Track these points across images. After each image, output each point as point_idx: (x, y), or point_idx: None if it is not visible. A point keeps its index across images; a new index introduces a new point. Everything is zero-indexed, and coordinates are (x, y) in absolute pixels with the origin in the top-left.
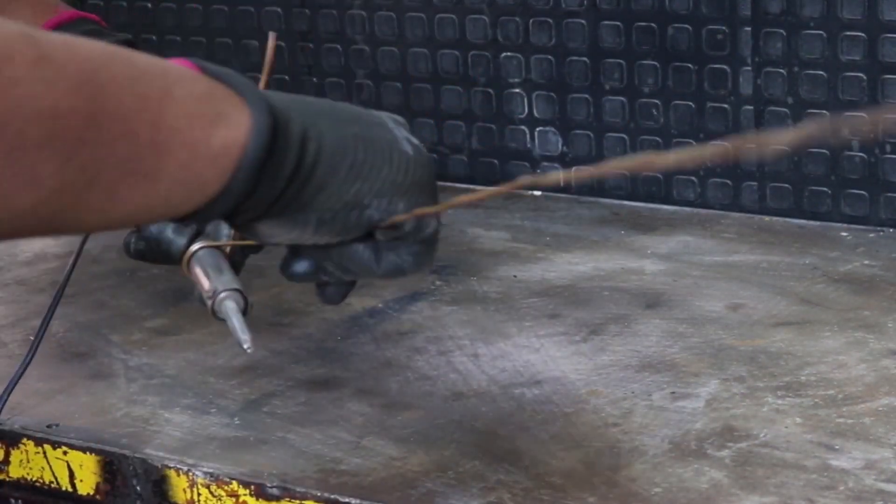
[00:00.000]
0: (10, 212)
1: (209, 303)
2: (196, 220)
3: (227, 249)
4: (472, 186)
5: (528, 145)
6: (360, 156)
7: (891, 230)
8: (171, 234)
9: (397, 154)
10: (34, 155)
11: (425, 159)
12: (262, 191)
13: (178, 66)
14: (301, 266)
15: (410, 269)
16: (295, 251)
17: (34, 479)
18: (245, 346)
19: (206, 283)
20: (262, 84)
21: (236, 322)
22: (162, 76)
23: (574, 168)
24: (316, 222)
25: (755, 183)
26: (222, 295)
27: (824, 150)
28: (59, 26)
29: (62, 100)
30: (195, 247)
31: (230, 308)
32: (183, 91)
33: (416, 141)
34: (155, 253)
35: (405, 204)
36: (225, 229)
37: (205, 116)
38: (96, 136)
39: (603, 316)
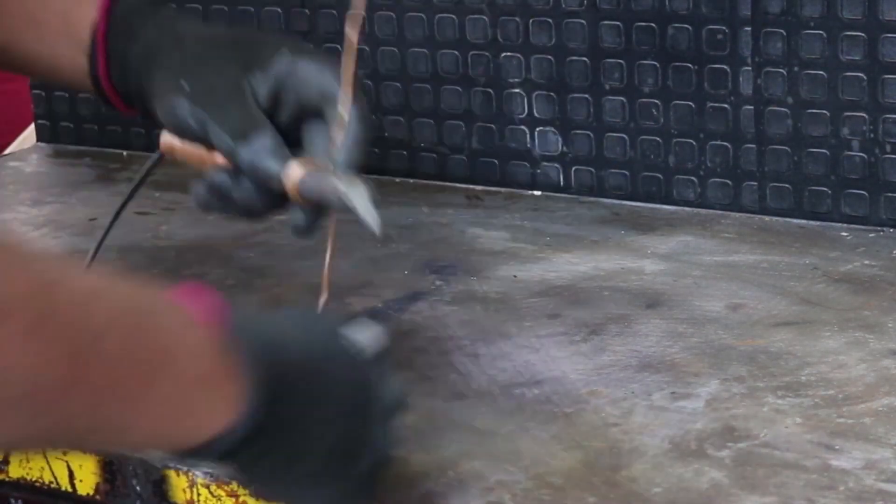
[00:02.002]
0: None
1: (340, 202)
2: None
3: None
4: (472, 186)
5: (528, 145)
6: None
7: (891, 230)
8: (270, 159)
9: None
10: (2, 411)
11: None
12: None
13: (191, 338)
14: None
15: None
16: None
17: (34, 479)
18: (374, 230)
19: (329, 188)
20: (350, 26)
21: (365, 207)
22: (163, 352)
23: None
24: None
25: (755, 183)
26: (347, 189)
27: (824, 150)
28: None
29: (46, 369)
30: (299, 171)
31: (359, 196)
32: (176, 376)
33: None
34: (246, 186)
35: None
36: (322, 140)
37: (185, 410)
38: (71, 405)
39: (603, 316)
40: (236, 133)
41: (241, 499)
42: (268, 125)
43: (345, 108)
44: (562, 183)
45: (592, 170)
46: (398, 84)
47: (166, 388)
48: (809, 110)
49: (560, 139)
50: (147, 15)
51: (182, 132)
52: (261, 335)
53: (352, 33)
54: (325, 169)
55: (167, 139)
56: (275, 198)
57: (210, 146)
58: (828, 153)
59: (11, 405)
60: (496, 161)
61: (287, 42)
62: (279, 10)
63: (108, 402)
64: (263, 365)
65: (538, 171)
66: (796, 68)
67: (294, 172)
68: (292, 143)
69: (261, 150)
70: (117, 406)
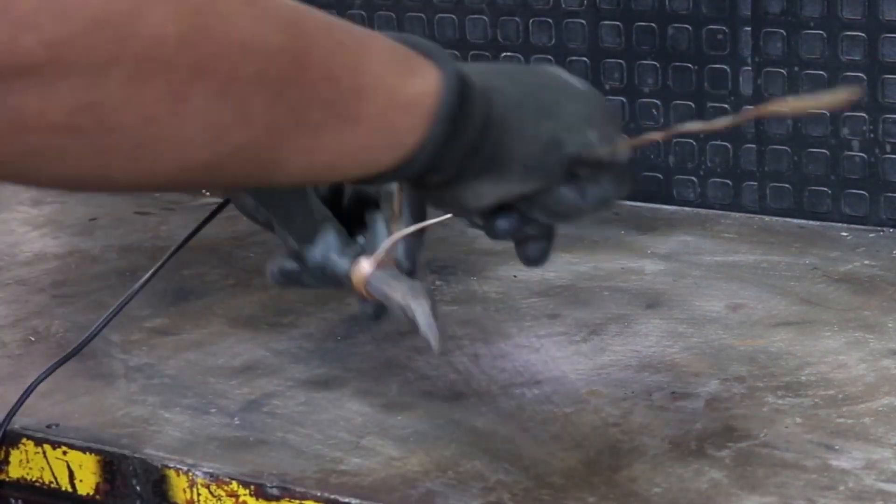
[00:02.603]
0: (222, 149)
1: (402, 313)
2: (394, 177)
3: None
4: None
5: None
6: (543, 97)
7: (891, 230)
8: (336, 257)
9: (574, 91)
10: (246, 90)
11: (598, 93)
12: (459, 141)
13: (365, 30)
14: (505, 222)
15: (615, 196)
16: (494, 209)
17: (34, 479)
18: (433, 345)
19: (394, 297)
20: None
21: (426, 321)
22: (353, 29)
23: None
24: (522, 170)
25: (755, 183)
26: (410, 304)
27: (824, 150)
28: None
29: (271, 38)
30: (366, 269)
31: (422, 313)
32: (375, 44)
33: (583, 81)
34: (315, 277)
35: (597, 134)
36: (383, 234)
37: (398, 67)
38: (303, 76)
39: (603, 316)
40: (301, 236)
41: (241, 499)
42: (331, 224)
43: (399, 204)
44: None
45: None
46: None
47: (372, 59)
48: (809, 110)
49: None
50: None
51: (250, 219)
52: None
53: None
54: (390, 265)
55: None
56: (343, 286)
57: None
58: (828, 153)
59: (253, 81)
60: None
61: None
62: None
63: (329, 79)
64: (446, 54)
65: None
66: (796, 68)
67: (361, 270)
68: (355, 224)
69: (326, 250)
70: (336, 84)
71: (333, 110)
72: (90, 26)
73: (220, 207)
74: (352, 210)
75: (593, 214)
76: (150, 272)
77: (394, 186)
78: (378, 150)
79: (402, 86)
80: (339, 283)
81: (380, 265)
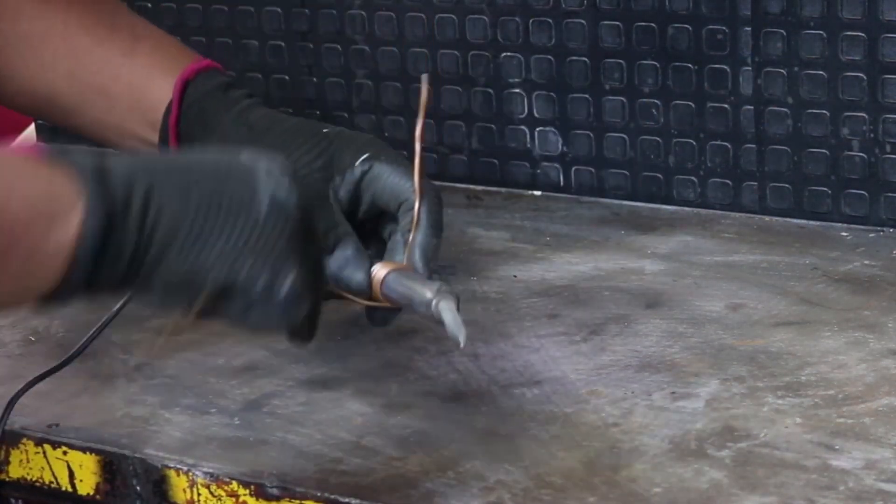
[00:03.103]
0: None
1: (428, 310)
2: (51, 304)
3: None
4: (472, 186)
5: (528, 145)
6: (198, 224)
7: (891, 230)
8: (352, 270)
9: (245, 215)
10: None
11: (286, 212)
12: (104, 276)
13: (20, 159)
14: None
15: (269, 326)
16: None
17: (34, 479)
18: (460, 342)
19: (417, 296)
20: (418, 128)
21: (453, 319)
22: (6, 174)
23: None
24: (162, 292)
25: (755, 183)
26: (436, 300)
27: (824, 150)
28: (189, 79)
29: None
30: (382, 272)
31: (448, 309)
32: (19, 193)
33: (284, 188)
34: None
35: (252, 263)
36: (401, 244)
37: (40, 218)
38: None
39: (603, 316)
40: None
41: (241, 499)
42: (350, 235)
43: (418, 215)
44: (562, 183)
45: (592, 170)
46: (398, 84)
47: (16, 211)
48: (809, 110)
49: (560, 139)
50: (219, 101)
51: None
52: (94, 156)
53: (418, 138)
54: (408, 270)
55: None
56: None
57: None
58: (828, 153)
59: None
60: (496, 161)
61: (366, 143)
62: (279, 10)
63: None
64: (104, 175)
65: (538, 171)
66: (796, 68)
67: (379, 273)
68: (371, 235)
69: (343, 262)
70: None
71: None
72: None
73: None
74: (367, 223)
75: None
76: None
77: (414, 200)
78: (23, 293)
79: (43, 241)
80: (340, 296)
81: (394, 269)
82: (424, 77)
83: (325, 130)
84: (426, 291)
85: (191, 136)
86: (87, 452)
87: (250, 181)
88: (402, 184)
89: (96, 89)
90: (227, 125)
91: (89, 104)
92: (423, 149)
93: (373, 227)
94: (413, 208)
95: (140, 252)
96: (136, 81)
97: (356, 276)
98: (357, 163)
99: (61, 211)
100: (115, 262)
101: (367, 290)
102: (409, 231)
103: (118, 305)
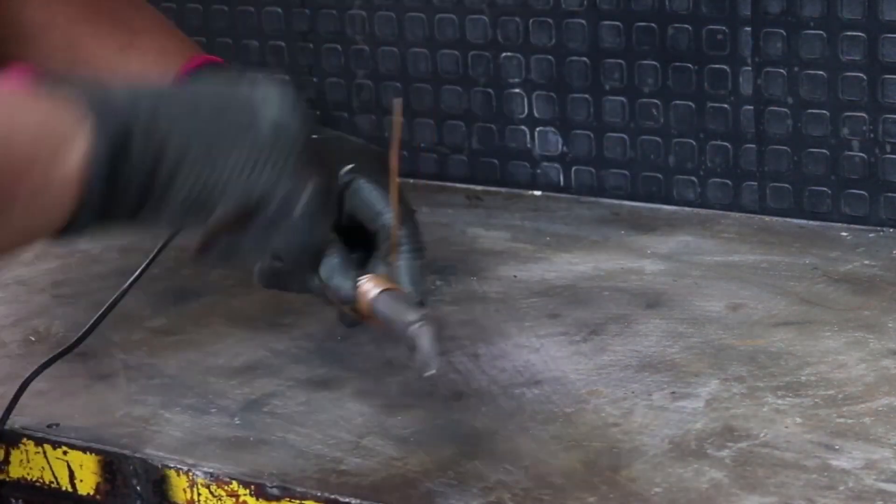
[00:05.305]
0: None
1: (405, 335)
2: (67, 237)
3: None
4: (472, 186)
5: (528, 145)
6: (207, 140)
7: (891, 230)
8: (340, 279)
9: (253, 132)
10: None
11: (291, 131)
12: (117, 200)
13: (16, 94)
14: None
15: (279, 246)
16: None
17: (34, 479)
18: (431, 370)
19: (401, 318)
20: (393, 156)
21: (430, 347)
22: (3, 110)
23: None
24: (178, 210)
25: (755, 183)
26: (416, 326)
27: (824, 150)
28: (190, 73)
29: None
30: (373, 290)
31: (427, 336)
32: (29, 118)
33: (287, 109)
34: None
35: (265, 180)
36: (381, 262)
37: (49, 142)
38: None
39: (603, 316)
40: None
41: (241, 499)
42: (337, 246)
43: (396, 238)
44: (562, 183)
45: (592, 170)
46: (398, 84)
47: (22, 138)
48: (809, 110)
49: (560, 139)
50: None
51: None
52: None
53: (393, 169)
54: (394, 289)
55: None
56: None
57: None
58: (828, 153)
59: None
60: (496, 161)
61: (353, 153)
62: (279, 9)
63: None
64: (107, 102)
65: (538, 171)
66: (796, 68)
67: (367, 293)
68: (355, 241)
69: (330, 271)
70: None
71: None
72: None
73: None
74: (350, 230)
75: (255, 262)
76: (138, 271)
77: (390, 217)
78: (40, 223)
79: (51, 170)
80: (324, 296)
81: (386, 288)
82: (397, 103)
83: (314, 137)
84: (410, 315)
85: None
86: (88, 452)
87: (254, 100)
88: (379, 205)
89: (106, 72)
90: None
91: None
92: (399, 173)
93: (356, 235)
94: (389, 233)
95: (151, 172)
96: (131, 78)
97: (344, 285)
98: (342, 172)
99: (66, 139)
100: (127, 184)
101: (352, 301)
102: (389, 255)
103: (161, 243)
